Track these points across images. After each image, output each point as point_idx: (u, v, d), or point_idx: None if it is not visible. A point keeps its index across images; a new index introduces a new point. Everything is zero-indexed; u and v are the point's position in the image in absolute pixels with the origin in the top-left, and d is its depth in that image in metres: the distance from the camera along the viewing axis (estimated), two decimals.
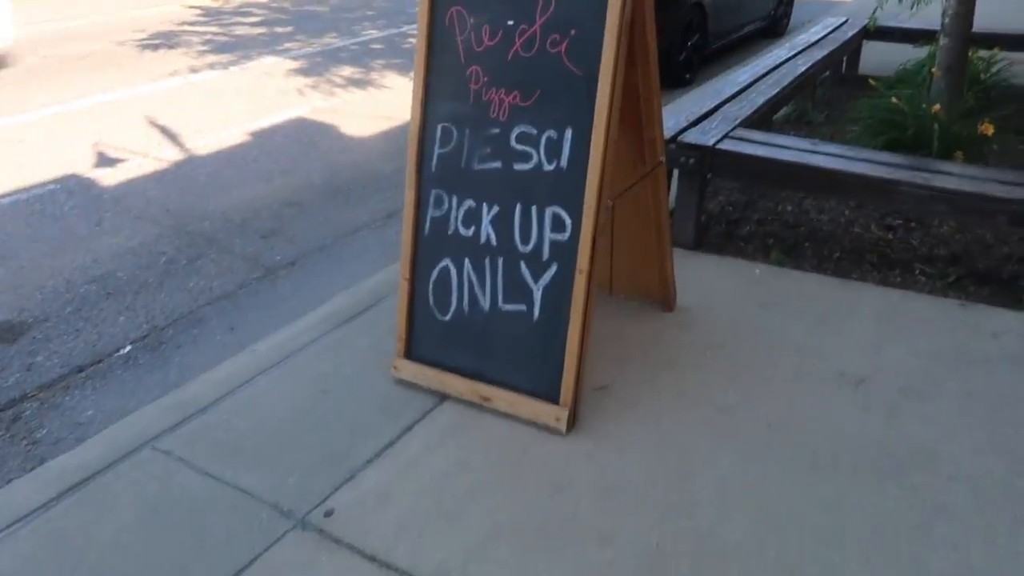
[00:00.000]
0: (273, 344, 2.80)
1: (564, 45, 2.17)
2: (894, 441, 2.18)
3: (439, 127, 2.40)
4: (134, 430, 2.37)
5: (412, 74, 2.42)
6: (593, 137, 2.13)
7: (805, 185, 3.12)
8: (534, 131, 2.23)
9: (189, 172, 4.95)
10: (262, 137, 5.61)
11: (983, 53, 4.95)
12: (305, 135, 5.68)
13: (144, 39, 9.12)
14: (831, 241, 3.45)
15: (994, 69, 4.94)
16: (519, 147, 2.26)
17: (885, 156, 3.11)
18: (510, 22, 2.25)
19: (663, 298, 2.87)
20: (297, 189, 4.67)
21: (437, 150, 2.40)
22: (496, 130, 2.29)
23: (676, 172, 3.36)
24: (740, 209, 3.77)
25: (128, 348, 3.14)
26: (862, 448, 2.16)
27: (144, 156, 5.22)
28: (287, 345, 2.78)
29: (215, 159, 5.18)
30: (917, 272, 3.14)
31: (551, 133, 2.21)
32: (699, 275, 3.13)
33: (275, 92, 6.78)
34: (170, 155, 5.24)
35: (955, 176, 2.83)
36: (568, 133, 2.18)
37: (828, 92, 5.62)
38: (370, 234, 4.08)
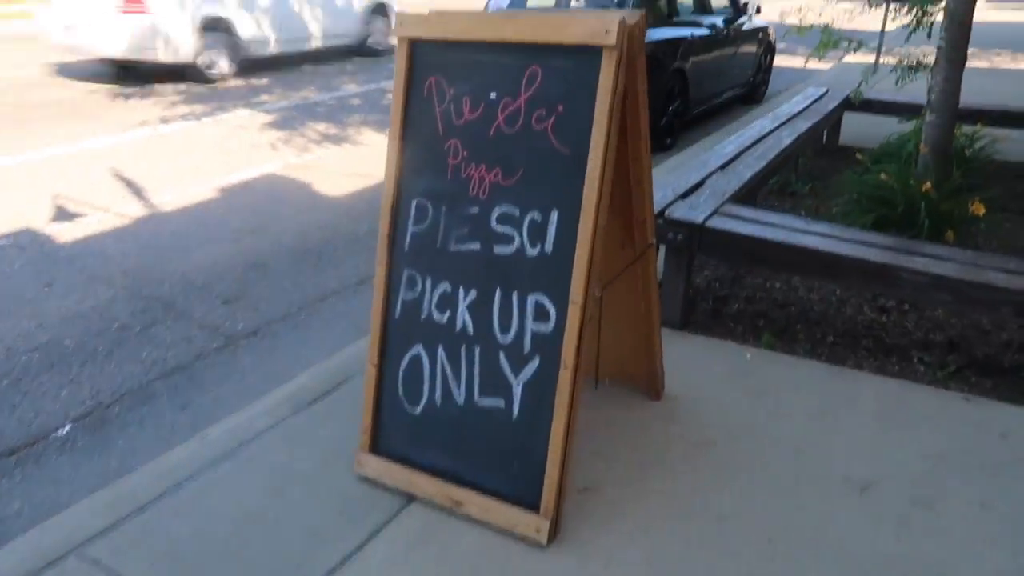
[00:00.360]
0: (226, 430, 2.55)
1: (551, 122, 2.01)
2: (907, 560, 1.98)
3: (414, 203, 2.22)
4: (61, 533, 2.10)
5: (389, 131, 2.25)
6: (581, 221, 1.95)
7: (799, 268, 2.98)
8: (516, 212, 2.06)
9: (151, 230, 4.73)
10: (231, 194, 5.41)
11: (966, 129, 4.93)
12: (276, 192, 5.50)
13: (116, 88, 8.95)
14: (823, 323, 3.30)
15: (977, 145, 4.91)
16: (500, 228, 2.08)
17: (880, 238, 2.98)
18: (492, 95, 2.09)
19: (651, 385, 2.68)
20: (264, 250, 4.46)
21: (411, 227, 2.22)
22: (475, 209, 2.11)
23: (662, 248, 3.20)
24: (727, 285, 3.62)
25: (67, 428, 2.87)
26: (873, 569, 1.96)
27: (105, 211, 5.00)
28: (241, 432, 2.53)
29: (180, 216, 4.96)
30: (915, 360, 2.99)
31: (535, 215, 2.03)
32: (687, 359, 2.95)
33: (248, 146, 6.61)
34: (133, 211, 5.02)
35: (956, 263, 2.70)
36: (553, 215, 2.01)
37: (810, 163, 5.56)
38: (340, 301, 3.87)
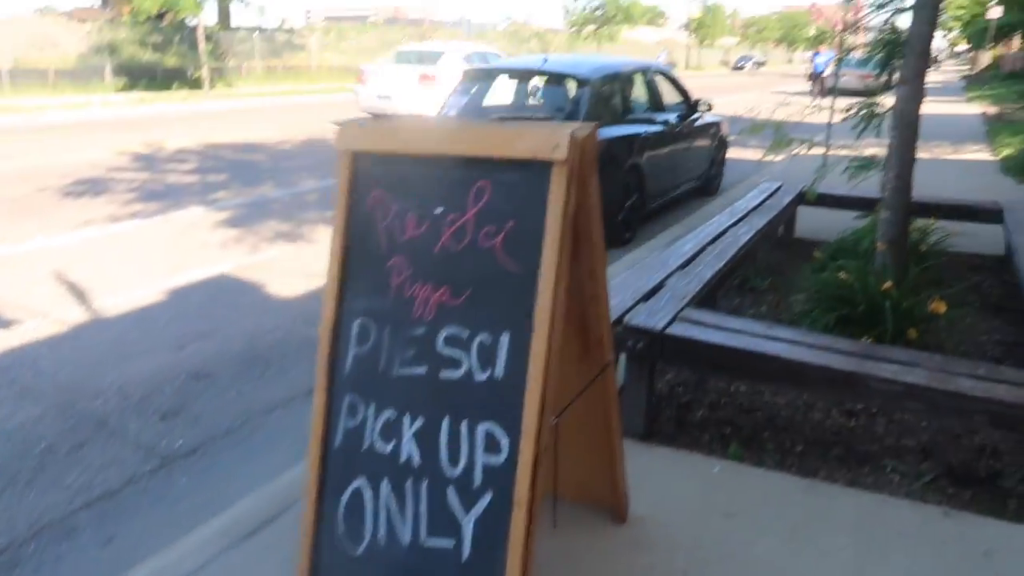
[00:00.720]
0: (150, 573, 2.31)
1: (500, 238, 1.91)
2: None
3: (356, 323, 2.08)
4: None
5: (330, 247, 2.12)
6: (533, 344, 1.83)
7: (764, 376, 2.88)
8: (464, 334, 1.92)
9: (91, 337, 4.50)
10: (179, 296, 5.22)
11: (920, 223, 4.98)
12: (227, 294, 5.32)
13: (68, 185, 8.80)
14: (791, 429, 3.18)
15: (932, 239, 4.95)
16: (447, 351, 1.94)
17: (845, 343, 2.91)
18: (438, 210, 1.99)
19: (614, 506, 2.51)
20: (210, 357, 4.25)
21: (353, 350, 2.07)
22: (421, 331, 1.98)
23: (623, 354, 3.08)
24: (691, 390, 3.50)
25: None
26: None
27: (44, 317, 4.76)
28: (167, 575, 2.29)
29: (122, 322, 4.74)
30: (889, 470, 2.86)
31: (484, 337, 1.90)
32: (652, 474, 2.79)
33: (199, 245, 6.45)
34: (73, 316, 4.79)
35: (925, 369, 2.61)
36: (504, 338, 1.88)
37: (768, 257, 5.57)
38: (287, 414, 3.66)
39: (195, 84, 25.56)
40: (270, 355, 4.32)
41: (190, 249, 6.34)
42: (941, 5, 4.15)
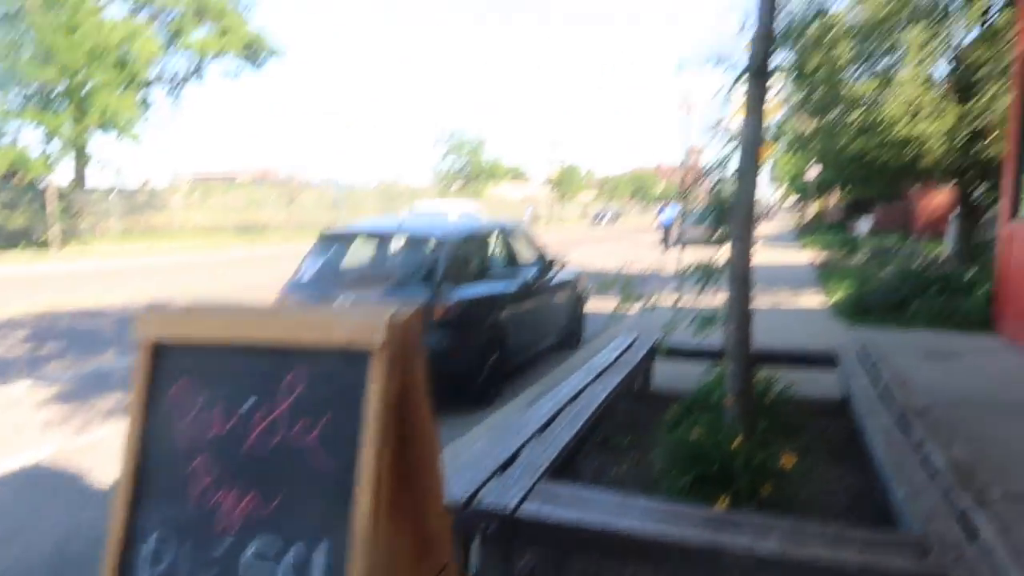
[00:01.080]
0: None
1: (315, 434, 1.73)
2: None
3: (151, 539, 1.81)
4: None
5: (122, 448, 1.86)
6: (355, 553, 1.62)
7: (621, 554, 2.74)
8: (275, 547, 1.69)
9: None
10: None
11: (765, 372, 5.15)
12: (45, 485, 4.71)
13: None
14: None
15: (776, 389, 5.12)
16: (255, 569, 1.69)
17: (701, 511, 2.83)
18: (248, 403, 1.80)
19: None
20: (6, 569, 3.65)
21: (146, 573, 1.78)
22: (225, 546, 1.73)
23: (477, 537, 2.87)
24: (553, 569, 3.29)
25: None
26: None
27: None
28: None
29: None
30: None
31: (298, 549, 1.68)
32: None
33: (16, 428, 5.78)
34: None
35: (778, 536, 2.55)
36: (321, 548, 1.67)
37: (627, 411, 5.57)
38: None
39: (43, 244, 24.28)
40: (85, 557, 3.77)
41: (4, 433, 5.66)
42: (765, 168, 4.49)
